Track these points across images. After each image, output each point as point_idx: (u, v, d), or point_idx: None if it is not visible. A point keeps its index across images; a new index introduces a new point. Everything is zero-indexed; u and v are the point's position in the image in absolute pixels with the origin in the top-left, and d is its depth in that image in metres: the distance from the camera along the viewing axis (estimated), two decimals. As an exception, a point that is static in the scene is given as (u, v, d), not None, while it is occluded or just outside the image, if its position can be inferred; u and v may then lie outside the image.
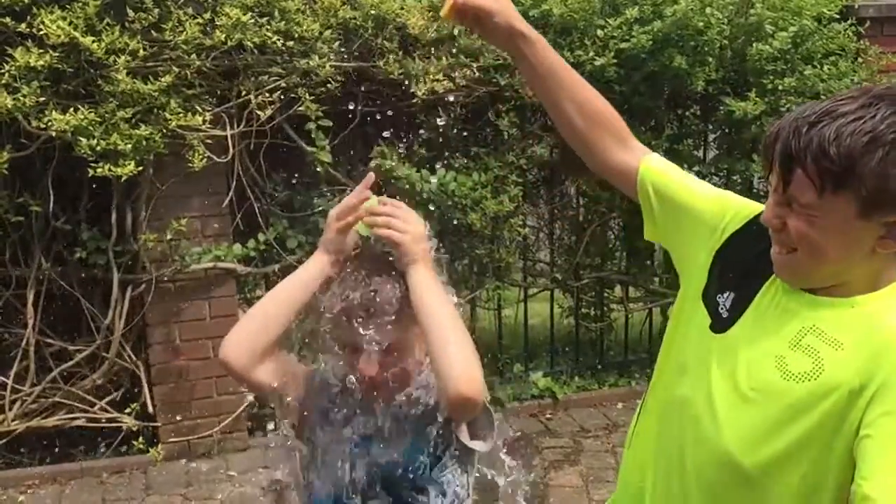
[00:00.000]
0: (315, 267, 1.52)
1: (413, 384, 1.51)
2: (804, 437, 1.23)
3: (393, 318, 1.45)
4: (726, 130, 4.45)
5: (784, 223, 1.25)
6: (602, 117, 1.54)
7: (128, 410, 3.83)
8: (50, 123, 3.26)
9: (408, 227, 1.48)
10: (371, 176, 1.54)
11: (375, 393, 1.49)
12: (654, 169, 1.53)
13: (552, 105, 1.54)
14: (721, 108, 4.24)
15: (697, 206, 1.47)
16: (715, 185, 5.04)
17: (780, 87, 4.10)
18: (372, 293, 1.46)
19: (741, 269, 1.37)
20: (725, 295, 1.37)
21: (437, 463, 1.50)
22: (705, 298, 1.40)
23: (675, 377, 1.42)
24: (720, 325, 1.35)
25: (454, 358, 1.38)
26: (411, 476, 1.49)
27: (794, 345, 1.26)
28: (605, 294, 4.85)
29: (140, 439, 3.87)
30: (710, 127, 4.55)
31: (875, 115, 1.17)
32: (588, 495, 3.61)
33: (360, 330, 1.45)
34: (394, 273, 1.49)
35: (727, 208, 1.44)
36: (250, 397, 3.94)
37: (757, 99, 4.09)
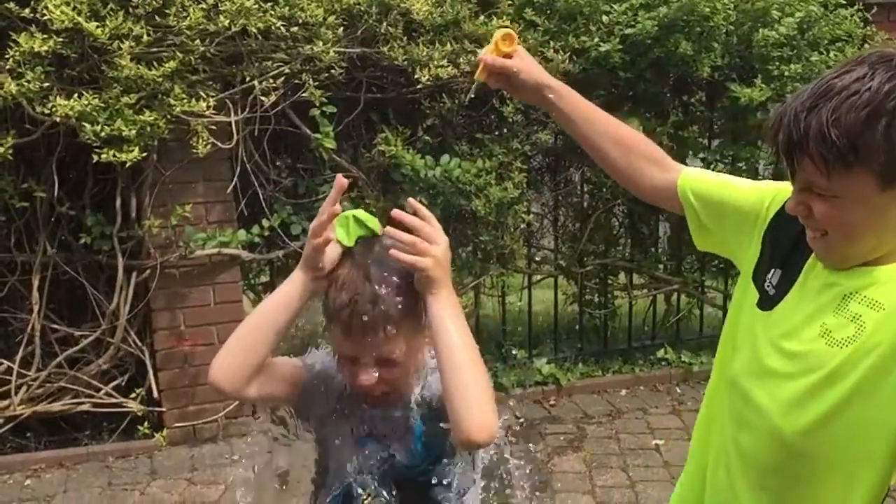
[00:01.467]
0: (293, 286, 1.42)
1: (415, 384, 1.49)
2: (845, 397, 1.24)
3: (393, 331, 1.37)
4: (732, 117, 4.43)
5: (809, 209, 1.25)
6: (637, 147, 1.62)
7: (133, 395, 3.85)
8: (54, 109, 3.26)
9: (431, 248, 1.33)
10: (343, 183, 1.38)
11: (376, 400, 1.46)
12: (692, 176, 1.58)
13: (590, 146, 1.65)
14: (726, 94, 4.22)
15: (738, 199, 1.50)
16: (720, 172, 5.04)
17: (786, 74, 4.08)
18: (371, 306, 1.36)
19: (787, 247, 1.40)
20: (772, 272, 1.39)
21: (443, 456, 1.49)
22: (755, 278, 1.42)
23: (728, 359, 1.45)
24: (767, 302, 1.38)
25: (472, 403, 1.30)
26: (417, 470, 1.49)
27: (838, 312, 1.28)
28: (609, 281, 4.85)
29: (145, 424, 3.88)
30: (716, 114, 4.53)
31: (870, 85, 1.15)
32: (591, 481, 3.62)
33: (359, 346, 1.39)
34: (395, 279, 1.38)
35: (766, 194, 1.47)
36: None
37: (763, 85, 4.07)
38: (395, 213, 1.35)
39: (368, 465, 1.50)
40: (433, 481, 1.50)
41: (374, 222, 1.44)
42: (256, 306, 1.47)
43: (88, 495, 3.57)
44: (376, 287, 1.36)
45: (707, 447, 1.51)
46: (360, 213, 1.44)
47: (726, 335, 1.50)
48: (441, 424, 1.46)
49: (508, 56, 1.59)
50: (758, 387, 1.35)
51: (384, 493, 1.50)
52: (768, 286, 1.38)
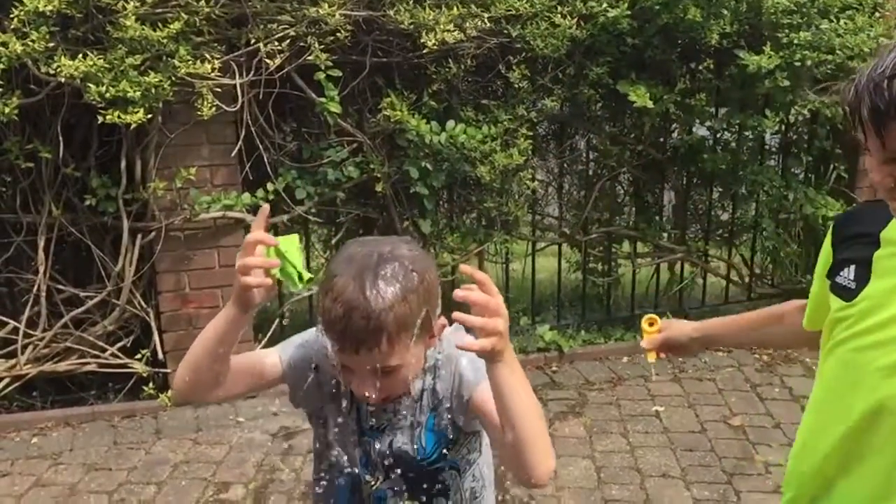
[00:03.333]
0: (226, 321, 1.37)
1: (420, 378, 1.46)
2: None
3: (390, 345, 1.32)
4: (739, 85, 4.40)
5: None
6: (784, 313, 1.76)
7: (138, 356, 3.89)
8: (59, 69, 3.25)
9: (499, 324, 1.25)
10: (265, 209, 1.34)
11: (374, 402, 1.43)
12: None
13: (758, 343, 2.04)
14: (735, 62, 4.19)
15: (819, 273, 1.57)
16: (726, 141, 4.99)
17: (796, 42, 4.04)
18: (367, 321, 1.29)
19: (851, 247, 1.44)
20: (846, 269, 1.43)
21: (449, 444, 1.49)
22: (833, 290, 1.47)
23: (830, 349, 1.47)
24: (851, 294, 1.41)
25: (539, 455, 1.31)
26: (424, 460, 1.49)
27: None
28: (613, 249, 4.86)
29: (150, 385, 3.93)
30: (723, 81, 4.50)
31: None
32: (591, 446, 3.66)
33: (353, 358, 1.34)
34: (394, 291, 1.31)
35: (825, 249, 1.54)
36: (258, 347, 3.99)
37: (771, 53, 4.03)
38: (459, 293, 1.24)
39: (374, 457, 1.49)
40: (442, 469, 1.51)
41: (295, 256, 1.33)
42: (203, 330, 1.42)
43: (95, 453, 3.62)
44: (372, 301, 1.29)
45: (819, 428, 1.51)
46: (283, 246, 1.33)
47: (823, 339, 1.52)
48: (444, 421, 1.47)
49: (659, 331, 1.91)
50: (864, 361, 1.36)
51: (392, 479, 1.50)
52: (847, 283, 1.42)
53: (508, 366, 1.29)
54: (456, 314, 1.25)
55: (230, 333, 1.37)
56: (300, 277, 1.34)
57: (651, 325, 1.92)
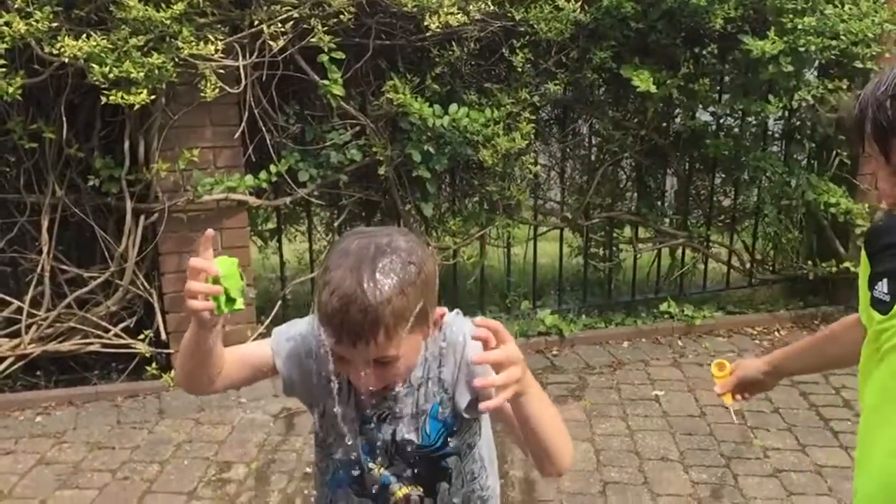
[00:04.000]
0: (195, 334, 1.37)
1: (421, 365, 1.46)
2: None
3: (387, 338, 1.30)
4: (743, 70, 4.40)
5: None
6: (854, 335, 1.69)
7: (141, 337, 3.91)
8: (62, 50, 3.25)
9: (517, 372, 1.24)
10: (209, 234, 1.33)
11: (372, 392, 1.43)
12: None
13: (827, 365, 1.95)
14: (739, 47, 4.18)
15: (862, 283, 1.57)
16: (729, 126, 4.97)
17: (800, 27, 4.03)
18: (363, 315, 1.27)
19: (882, 260, 1.47)
20: (880, 283, 1.45)
21: (453, 431, 1.50)
22: (872, 304, 1.49)
23: (878, 361, 1.48)
24: (886, 307, 1.43)
25: (564, 454, 1.41)
26: (428, 447, 1.50)
27: None
28: (615, 234, 4.87)
29: (153, 365, 3.95)
30: (727, 66, 4.48)
31: None
32: (591, 429, 3.68)
33: (350, 351, 1.32)
34: (392, 284, 1.29)
35: (862, 263, 1.55)
36: (261, 328, 4.01)
37: (775, 38, 4.02)
38: (477, 357, 1.25)
39: (377, 445, 1.50)
40: (444, 453, 1.51)
41: (233, 280, 1.30)
42: (183, 338, 1.42)
43: (98, 432, 3.64)
44: (370, 294, 1.27)
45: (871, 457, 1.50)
46: (222, 270, 1.30)
47: (868, 351, 1.53)
48: (448, 409, 1.47)
49: (731, 373, 1.94)
50: None
51: (395, 465, 1.51)
52: (881, 295, 1.44)
53: (528, 395, 1.30)
54: (478, 381, 1.25)
55: (203, 344, 1.38)
56: (230, 300, 1.31)
57: (721, 369, 1.95)
